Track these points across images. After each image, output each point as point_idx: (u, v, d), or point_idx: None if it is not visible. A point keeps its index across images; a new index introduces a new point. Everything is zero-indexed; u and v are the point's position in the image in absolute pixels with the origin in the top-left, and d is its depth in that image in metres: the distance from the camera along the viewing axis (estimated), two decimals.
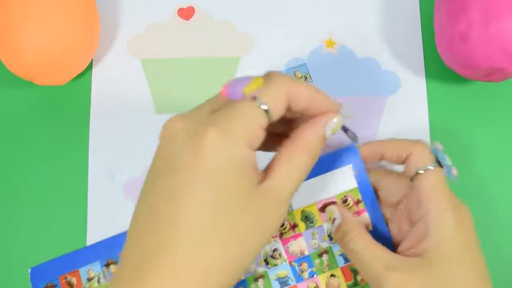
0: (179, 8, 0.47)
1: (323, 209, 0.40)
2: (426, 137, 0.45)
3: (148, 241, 0.29)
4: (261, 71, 0.46)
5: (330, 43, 0.46)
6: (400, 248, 0.36)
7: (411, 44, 0.46)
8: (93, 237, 0.43)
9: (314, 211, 0.40)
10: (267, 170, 0.31)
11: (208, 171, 0.29)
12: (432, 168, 0.36)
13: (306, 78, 0.46)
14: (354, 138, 0.39)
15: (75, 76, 0.44)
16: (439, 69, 0.45)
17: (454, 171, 0.36)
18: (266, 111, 0.30)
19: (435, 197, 0.35)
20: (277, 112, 0.31)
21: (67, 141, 0.45)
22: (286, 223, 0.40)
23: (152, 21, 0.47)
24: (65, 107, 0.46)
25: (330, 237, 0.40)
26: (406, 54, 0.46)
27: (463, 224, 0.34)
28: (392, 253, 0.35)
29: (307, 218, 0.40)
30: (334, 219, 0.38)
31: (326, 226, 0.40)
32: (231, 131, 0.29)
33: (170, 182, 0.29)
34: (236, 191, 0.29)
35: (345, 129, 0.38)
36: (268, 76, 0.32)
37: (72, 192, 0.44)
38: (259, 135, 0.30)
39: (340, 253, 0.40)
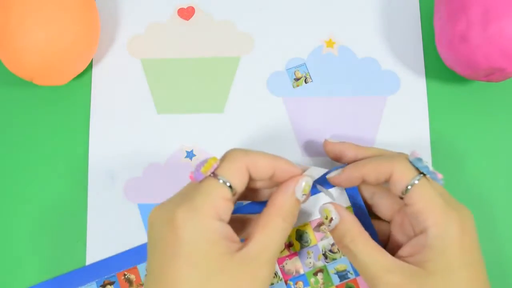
0: (179, 8, 0.47)
1: (318, 228, 0.41)
2: (426, 137, 0.45)
3: None
4: (261, 71, 0.46)
5: (330, 43, 0.46)
6: (399, 253, 0.36)
7: (411, 44, 0.46)
8: (93, 237, 0.43)
9: (309, 230, 0.41)
10: (247, 237, 0.35)
11: (184, 244, 0.32)
12: (417, 181, 0.35)
13: (306, 78, 0.46)
14: (331, 196, 0.40)
15: (75, 76, 0.44)
16: (439, 69, 0.45)
17: (439, 175, 0.35)
18: (229, 185, 0.34)
19: (430, 210, 0.34)
20: (240, 184, 0.35)
21: (67, 141, 0.45)
22: None
23: (152, 21, 0.47)
24: (65, 107, 0.46)
25: (325, 256, 0.41)
26: (406, 54, 0.46)
27: (463, 230, 0.34)
28: (390, 256, 0.35)
29: (301, 238, 0.41)
30: (331, 219, 0.37)
31: (320, 245, 0.41)
32: (197, 207, 0.33)
33: (157, 261, 0.33)
34: (212, 259, 0.33)
35: (320, 189, 0.39)
36: (225, 154, 0.35)
37: (72, 192, 0.44)
38: (226, 207, 0.34)
39: (335, 271, 0.40)
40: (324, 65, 0.46)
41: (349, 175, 0.38)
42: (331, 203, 0.38)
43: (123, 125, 0.45)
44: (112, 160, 0.45)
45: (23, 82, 0.45)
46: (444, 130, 0.45)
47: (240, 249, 0.34)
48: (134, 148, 0.45)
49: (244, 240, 0.35)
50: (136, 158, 0.45)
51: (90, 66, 0.46)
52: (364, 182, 0.37)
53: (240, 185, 0.35)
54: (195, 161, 0.44)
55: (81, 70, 0.44)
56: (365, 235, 0.36)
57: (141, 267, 0.42)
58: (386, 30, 0.47)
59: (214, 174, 0.34)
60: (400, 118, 0.45)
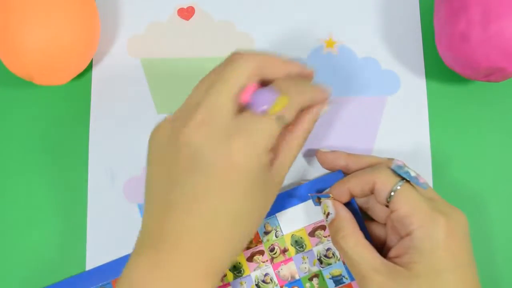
0: (179, 8, 0.47)
1: (313, 233, 0.41)
2: (425, 137, 0.45)
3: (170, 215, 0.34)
4: None
5: (330, 43, 0.46)
6: (389, 255, 0.37)
7: (411, 44, 0.46)
8: (93, 237, 0.43)
9: (304, 235, 0.41)
10: (274, 151, 0.36)
11: (236, 176, 0.33)
12: (399, 187, 0.36)
13: None
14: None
15: (75, 76, 0.44)
16: (439, 69, 0.45)
17: (421, 180, 0.36)
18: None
19: (414, 214, 0.35)
20: (291, 120, 0.36)
21: (67, 141, 0.45)
22: (276, 248, 0.41)
23: (152, 21, 0.47)
24: (65, 107, 0.46)
25: (320, 261, 0.41)
26: (406, 54, 0.46)
27: (450, 233, 0.34)
28: (380, 257, 0.36)
29: (296, 243, 0.41)
30: (328, 213, 0.39)
31: (315, 250, 0.41)
32: (256, 143, 0.34)
33: (199, 179, 0.33)
34: (257, 187, 0.34)
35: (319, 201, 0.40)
36: (288, 90, 0.35)
37: (72, 192, 0.44)
38: (275, 140, 0.35)
39: (330, 276, 0.41)
40: (324, 65, 0.46)
41: (336, 193, 0.39)
42: (331, 199, 0.39)
43: (123, 125, 0.45)
44: (112, 160, 0.45)
45: (23, 82, 0.45)
46: (444, 130, 0.45)
47: (269, 169, 0.35)
48: (134, 148, 0.45)
49: None
50: (136, 158, 0.45)
51: (90, 66, 0.46)
52: (352, 196, 0.39)
53: (291, 120, 0.36)
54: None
55: (81, 70, 0.44)
56: (358, 234, 0.37)
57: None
58: (386, 30, 0.47)
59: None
60: (400, 118, 0.45)
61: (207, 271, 0.34)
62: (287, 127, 0.37)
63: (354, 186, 0.38)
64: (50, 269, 0.43)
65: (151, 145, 0.36)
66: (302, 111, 0.37)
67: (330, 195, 0.39)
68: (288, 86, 0.36)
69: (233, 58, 0.35)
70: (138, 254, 0.34)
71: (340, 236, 0.37)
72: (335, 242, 0.38)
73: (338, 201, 0.39)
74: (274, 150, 0.36)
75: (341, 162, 0.41)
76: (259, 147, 0.33)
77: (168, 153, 0.34)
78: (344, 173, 0.41)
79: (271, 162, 0.35)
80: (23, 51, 0.40)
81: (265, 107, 0.34)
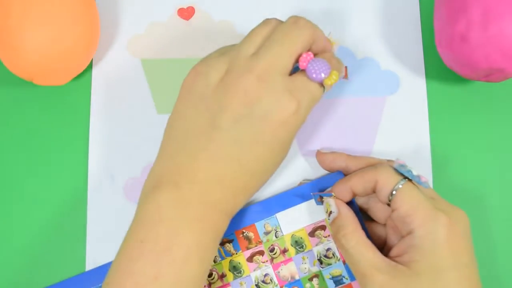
0: (179, 8, 0.47)
1: (312, 233, 0.41)
2: (425, 137, 0.45)
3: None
4: None
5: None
6: (390, 254, 0.37)
7: (411, 44, 0.46)
8: (93, 237, 0.43)
9: (304, 235, 0.41)
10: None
11: (287, 128, 0.36)
12: (401, 186, 0.36)
13: None
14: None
15: (75, 76, 0.44)
16: (439, 69, 0.45)
17: (423, 179, 0.36)
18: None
19: (415, 212, 0.35)
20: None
21: (67, 141, 0.45)
22: (276, 248, 0.41)
23: (152, 21, 0.47)
24: (65, 107, 0.46)
25: (320, 261, 0.41)
26: (406, 54, 0.46)
27: (451, 232, 0.34)
28: (381, 256, 0.36)
29: (296, 243, 0.41)
30: (330, 212, 0.39)
31: (315, 250, 0.41)
32: (308, 105, 0.36)
33: (250, 125, 0.35)
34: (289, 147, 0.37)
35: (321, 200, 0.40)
36: (332, 62, 0.38)
37: (72, 192, 0.44)
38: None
39: (331, 276, 0.41)
40: None
41: (338, 192, 0.39)
42: (333, 198, 0.39)
43: (123, 125, 0.45)
44: (112, 160, 0.45)
45: (23, 82, 0.45)
46: (444, 130, 0.45)
47: None
48: (134, 148, 0.45)
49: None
50: (136, 158, 0.45)
51: (90, 66, 0.46)
52: (354, 194, 0.39)
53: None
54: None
55: (81, 70, 0.44)
56: (360, 232, 0.37)
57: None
58: (386, 30, 0.47)
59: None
60: (400, 118, 0.45)
61: (226, 211, 0.37)
62: None
63: (356, 184, 0.38)
64: (50, 269, 0.43)
65: (189, 87, 0.37)
66: None
67: (333, 193, 0.39)
68: (335, 63, 0.39)
69: (298, 22, 0.37)
70: (163, 185, 0.36)
71: (342, 234, 0.37)
72: (336, 240, 0.38)
73: (340, 200, 0.39)
74: None
75: (340, 163, 0.41)
76: (308, 108, 0.36)
77: (214, 98, 0.36)
78: (344, 174, 0.41)
79: None
80: (23, 51, 0.40)
81: (322, 75, 0.36)
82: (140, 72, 0.46)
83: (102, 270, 0.42)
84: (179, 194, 0.35)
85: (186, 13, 0.47)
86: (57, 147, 0.45)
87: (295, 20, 0.38)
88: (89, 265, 0.43)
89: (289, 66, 0.36)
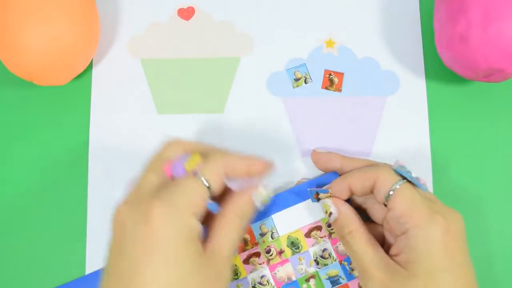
0: (179, 8, 0.47)
1: (308, 234, 0.41)
2: (425, 137, 0.45)
3: None
4: (261, 71, 0.46)
5: (330, 43, 0.46)
6: (390, 252, 0.37)
7: (411, 44, 0.46)
8: (93, 237, 0.43)
9: (300, 236, 0.41)
10: (208, 235, 0.35)
11: (160, 241, 0.32)
12: (399, 186, 0.36)
13: (306, 78, 0.46)
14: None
15: (75, 76, 0.44)
16: (439, 70, 0.46)
17: (422, 181, 0.36)
18: (208, 186, 0.35)
19: (411, 213, 0.35)
20: (217, 187, 0.36)
21: (66, 141, 0.45)
22: (272, 249, 0.41)
23: (152, 21, 0.47)
24: (65, 107, 0.46)
25: (317, 261, 0.41)
26: (406, 54, 0.46)
27: (447, 233, 0.34)
28: (383, 253, 0.36)
29: (293, 244, 0.41)
30: (330, 213, 0.39)
31: (312, 251, 0.41)
32: (177, 204, 0.33)
33: (128, 260, 0.32)
34: (188, 258, 0.33)
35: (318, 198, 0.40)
36: (206, 153, 0.36)
37: (72, 192, 0.44)
38: (203, 207, 0.35)
39: (327, 277, 0.41)
40: (324, 65, 0.46)
41: (336, 189, 0.39)
42: (330, 198, 0.39)
43: (123, 125, 0.45)
44: (112, 160, 0.45)
45: (23, 82, 0.45)
46: (444, 130, 0.45)
47: (204, 245, 0.34)
48: (134, 148, 0.45)
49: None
50: (136, 158, 0.44)
51: (90, 66, 0.46)
52: (352, 193, 0.39)
53: (218, 188, 0.36)
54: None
55: (81, 70, 0.44)
56: (362, 228, 0.38)
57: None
58: (386, 30, 0.47)
59: (194, 173, 0.35)
60: (399, 118, 0.45)
61: None
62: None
63: (355, 182, 0.38)
64: (50, 269, 0.43)
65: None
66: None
67: (329, 190, 0.39)
68: (210, 151, 0.37)
69: (164, 142, 0.37)
70: None
71: (346, 232, 0.38)
72: (341, 238, 0.38)
73: (338, 198, 0.39)
74: (209, 232, 0.36)
75: (335, 164, 0.41)
76: (181, 209, 0.33)
77: (112, 239, 0.35)
78: (339, 175, 0.41)
79: (207, 239, 0.35)
80: (23, 51, 0.40)
81: (181, 167, 0.35)
82: (140, 72, 0.46)
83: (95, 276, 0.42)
84: None
85: (186, 13, 0.47)
86: (57, 147, 0.45)
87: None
88: (89, 265, 0.43)
89: (155, 180, 0.36)
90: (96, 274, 0.42)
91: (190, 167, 0.35)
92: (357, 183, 0.38)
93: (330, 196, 0.39)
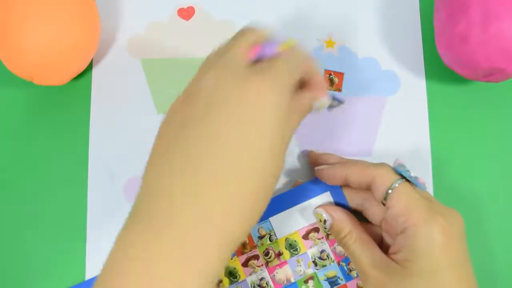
0: (179, 8, 0.47)
1: (306, 236, 0.41)
2: (425, 137, 0.45)
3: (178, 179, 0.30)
4: None
5: (330, 43, 0.46)
6: (388, 252, 0.37)
7: (411, 44, 0.46)
8: (93, 237, 0.43)
9: (297, 238, 0.41)
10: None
11: (257, 108, 0.30)
12: (397, 185, 0.36)
13: None
14: (342, 102, 0.39)
15: (75, 76, 0.44)
16: (439, 69, 0.45)
17: (421, 180, 0.36)
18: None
19: (410, 212, 0.35)
20: (299, 76, 0.34)
21: (67, 141, 0.45)
22: (271, 251, 0.41)
23: (152, 21, 0.47)
24: (65, 107, 0.46)
25: (315, 263, 0.41)
26: (406, 54, 0.46)
27: (446, 232, 0.34)
28: (380, 253, 0.37)
29: (291, 246, 0.41)
30: (325, 221, 0.40)
31: (310, 252, 0.41)
32: (276, 80, 0.31)
33: (210, 124, 0.30)
34: (281, 134, 0.31)
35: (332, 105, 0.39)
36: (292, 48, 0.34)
37: (72, 192, 0.44)
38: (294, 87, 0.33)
39: (325, 278, 0.41)
40: (324, 65, 0.46)
41: (334, 171, 0.39)
42: (321, 206, 0.40)
43: (123, 125, 0.45)
44: (112, 160, 0.45)
45: (23, 82, 0.45)
46: (444, 130, 0.45)
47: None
48: (134, 148, 0.45)
49: None
50: (136, 158, 0.44)
51: (90, 66, 0.46)
52: (346, 182, 0.39)
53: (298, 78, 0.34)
54: None
55: (81, 70, 0.44)
56: (358, 230, 0.38)
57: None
58: (386, 30, 0.47)
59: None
60: (400, 118, 0.45)
61: (219, 241, 0.29)
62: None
63: (353, 174, 0.38)
64: (50, 269, 0.43)
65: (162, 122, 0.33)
66: None
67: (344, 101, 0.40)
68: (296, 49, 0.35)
69: (241, 29, 0.35)
70: (133, 224, 0.30)
71: (343, 236, 0.38)
72: (339, 242, 0.39)
73: (332, 203, 0.40)
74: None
75: (343, 175, 0.40)
76: (279, 83, 0.31)
77: (179, 111, 0.32)
78: None
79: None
80: (23, 51, 0.40)
81: (274, 46, 0.33)
82: (140, 72, 0.46)
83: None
84: (154, 238, 0.29)
85: (186, 13, 0.47)
86: (57, 147, 0.45)
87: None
88: (89, 266, 0.43)
89: (242, 60, 0.33)
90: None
91: (286, 46, 0.33)
92: (355, 175, 0.38)
93: (321, 206, 0.40)
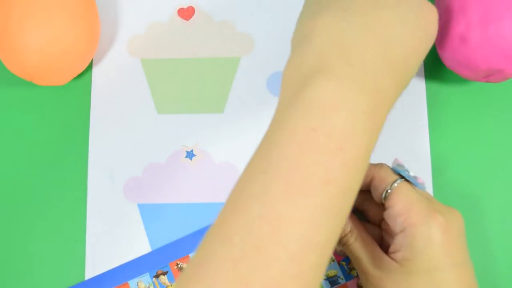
0: (179, 8, 0.47)
1: None
2: (425, 138, 0.45)
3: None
4: (261, 71, 0.46)
5: None
6: (388, 251, 0.37)
7: None
8: (92, 237, 0.43)
9: None
10: None
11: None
12: (396, 185, 0.36)
13: None
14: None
15: (75, 76, 0.44)
16: (439, 70, 0.45)
17: (420, 180, 0.36)
18: None
19: (409, 211, 0.35)
20: None
21: (67, 141, 0.45)
22: None
23: (152, 21, 0.47)
24: (65, 107, 0.46)
25: None
26: None
27: (446, 232, 0.34)
28: (380, 252, 0.36)
29: None
30: None
31: None
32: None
33: None
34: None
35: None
36: None
37: (71, 192, 0.44)
38: None
39: (326, 277, 0.41)
40: None
41: None
42: None
43: (123, 125, 0.45)
44: (112, 160, 0.45)
45: (23, 82, 0.45)
46: (444, 131, 0.45)
47: None
48: (134, 148, 0.45)
49: None
50: (136, 158, 0.45)
51: (90, 66, 0.46)
52: None
53: None
54: (195, 161, 0.44)
55: (81, 70, 0.44)
56: (358, 229, 0.38)
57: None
58: None
59: None
60: (399, 118, 0.45)
61: (389, 107, 0.31)
62: None
63: None
64: (50, 269, 0.43)
65: None
66: None
67: None
68: None
69: None
70: (334, 67, 0.29)
71: (343, 234, 0.38)
72: (339, 242, 0.38)
73: None
74: None
75: None
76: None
77: None
78: None
79: None
80: (23, 51, 0.40)
81: None
82: (140, 72, 0.46)
83: (102, 278, 0.42)
84: (354, 78, 0.29)
85: (186, 13, 0.47)
86: (57, 147, 0.45)
87: None
88: (89, 266, 0.43)
89: None
90: (97, 279, 0.42)
91: None
92: None
93: None
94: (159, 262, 0.42)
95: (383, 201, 0.36)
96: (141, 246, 0.43)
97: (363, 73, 0.29)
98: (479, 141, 0.45)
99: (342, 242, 0.38)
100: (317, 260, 0.28)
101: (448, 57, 0.42)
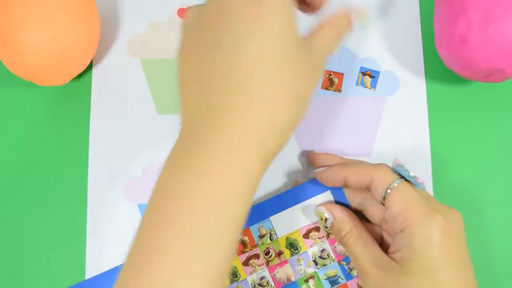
0: (179, 8, 0.47)
1: (307, 235, 0.41)
2: (425, 137, 0.45)
3: (211, 89, 0.31)
4: None
5: None
6: (388, 251, 0.37)
7: (411, 44, 0.46)
8: (92, 237, 0.43)
9: (298, 237, 0.41)
10: (310, 33, 0.35)
11: (268, 17, 0.31)
12: (396, 185, 0.36)
13: None
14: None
15: (75, 76, 0.44)
16: (439, 70, 0.45)
17: (419, 180, 0.36)
18: None
19: (408, 211, 0.35)
20: None
21: (67, 141, 0.45)
22: (271, 251, 0.41)
23: (152, 21, 0.47)
24: (65, 107, 0.46)
25: (315, 262, 0.41)
26: (406, 55, 0.46)
27: (445, 232, 0.34)
28: (380, 251, 0.37)
29: (291, 245, 0.41)
30: (326, 219, 0.40)
31: (310, 252, 0.42)
32: None
33: (233, 31, 0.31)
34: (292, 37, 0.32)
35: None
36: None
37: (72, 192, 0.44)
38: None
39: (326, 277, 0.41)
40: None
41: (333, 173, 0.39)
42: (322, 205, 0.40)
43: (123, 125, 0.45)
44: (112, 160, 0.45)
45: (23, 82, 0.45)
46: (444, 131, 0.45)
47: (305, 39, 0.34)
48: (134, 148, 0.45)
49: None
50: (136, 158, 0.45)
51: (90, 66, 0.46)
52: (346, 183, 0.39)
53: None
54: None
55: (81, 70, 0.44)
56: (358, 229, 0.38)
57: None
58: (386, 30, 0.47)
59: None
60: (399, 118, 0.45)
61: (258, 148, 0.31)
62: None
63: (351, 175, 0.38)
64: (50, 269, 0.43)
65: (181, 36, 0.34)
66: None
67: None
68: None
69: None
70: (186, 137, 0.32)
71: (343, 234, 0.38)
72: (339, 241, 0.39)
73: (332, 204, 0.40)
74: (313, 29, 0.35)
75: (332, 165, 0.41)
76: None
77: (196, 29, 0.33)
78: None
79: (309, 35, 0.34)
80: (23, 51, 0.40)
81: None
82: (140, 72, 0.46)
83: (102, 279, 0.42)
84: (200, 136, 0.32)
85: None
86: (57, 147, 0.45)
87: None
88: (89, 266, 0.43)
89: None
90: (97, 279, 0.42)
91: None
92: (353, 176, 0.38)
93: (323, 204, 0.40)
94: None
95: (383, 201, 0.36)
96: None
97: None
98: (479, 140, 0.45)
99: (342, 241, 0.38)
100: None
101: (448, 57, 0.42)
